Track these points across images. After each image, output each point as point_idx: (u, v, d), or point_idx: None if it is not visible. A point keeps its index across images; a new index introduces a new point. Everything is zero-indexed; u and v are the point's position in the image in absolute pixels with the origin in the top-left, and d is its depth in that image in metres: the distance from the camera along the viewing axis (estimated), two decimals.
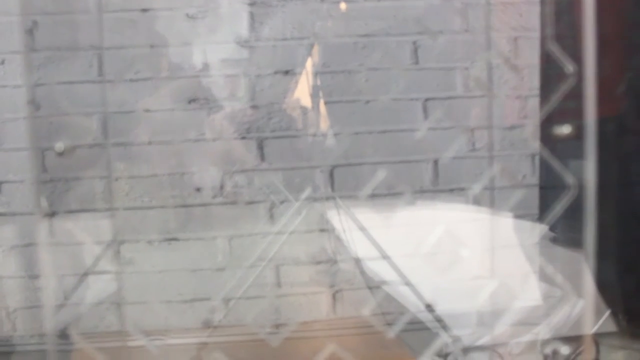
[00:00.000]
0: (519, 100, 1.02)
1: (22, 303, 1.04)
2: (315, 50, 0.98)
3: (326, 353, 0.76)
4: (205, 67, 0.96)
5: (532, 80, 0.97)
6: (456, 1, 0.98)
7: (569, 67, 0.58)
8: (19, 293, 1.04)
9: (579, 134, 0.66)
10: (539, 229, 0.93)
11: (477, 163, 1.00)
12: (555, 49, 0.61)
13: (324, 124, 0.98)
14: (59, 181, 1.02)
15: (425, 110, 1.00)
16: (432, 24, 0.89)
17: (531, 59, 0.96)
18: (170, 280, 0.98)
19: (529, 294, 1.07)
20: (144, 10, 0.95)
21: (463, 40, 0.99)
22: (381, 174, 0.77)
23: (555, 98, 0.60)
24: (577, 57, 0.60)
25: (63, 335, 1.05)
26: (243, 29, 0.96)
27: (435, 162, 1.00)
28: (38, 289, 1.03)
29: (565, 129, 0.68)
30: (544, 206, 0.99)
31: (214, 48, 0.96)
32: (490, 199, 0.94)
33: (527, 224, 0.98)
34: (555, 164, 0.65)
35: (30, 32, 1.00)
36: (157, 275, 0.97)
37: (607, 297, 0.94)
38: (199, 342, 0.96)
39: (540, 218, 0.97)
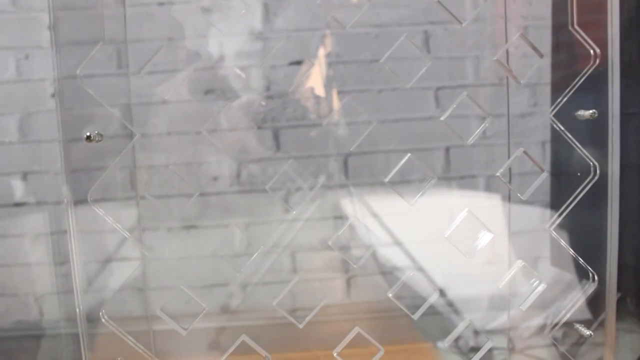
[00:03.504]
0: (529, 88, 0.98)
1: (48, 289, 1.02)
2: (328, 40, 0.94)
3: (346, 334, 0.74)
4: (221, 59, 0.93)
5: (543, 68, 0.92)
6: None
7: (595, 50, 0.55)
8: (45, 279, 1.02)
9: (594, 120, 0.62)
10: (551, 215, 0.89)
11: (488, 151, 0.96)
12: (577, 33, 0.57)
13: (338, 113, 0.95)
14: (82, 171, 1.00)
15: (437, 99, 0.96)
16: (442, 14, 0.85)
17: (542, 47, 0.92)
18: (189, 266, 0.95)
19: (540, 278, 1.03)
20: (160, 3, 0.92)
21: (473, 29, 0.95)
22: (402, 160, 0.73)
23: (575, 83, 0.57)
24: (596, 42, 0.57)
25: (88, 319, 1.04)
26: (257, 21, 0.93)
27: (447, 150, 0.97)
28: (63, 275, 1.02)
29: (580, 115, 0.65)
30: (555, 192, 0.95)
31: (229, 40, 0.93)
32: (504, 185, 0.91)
33: (538, 210, 0.94)
34: (579, 149, 0.62)
35: (52, 27, 0.98)
36: (177, 261, 0.95)
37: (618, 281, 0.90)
38: (217, 327, 0.93)
39: (552, 204, 0.93)
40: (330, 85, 0.95)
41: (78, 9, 0.98)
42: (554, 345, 0.97)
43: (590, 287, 0.93)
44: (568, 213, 0.90)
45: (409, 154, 0.72)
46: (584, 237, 0.82)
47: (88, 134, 0.68)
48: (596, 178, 0.66)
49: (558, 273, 0.97)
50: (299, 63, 0.95)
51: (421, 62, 0.98)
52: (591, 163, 0.64)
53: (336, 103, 0.96)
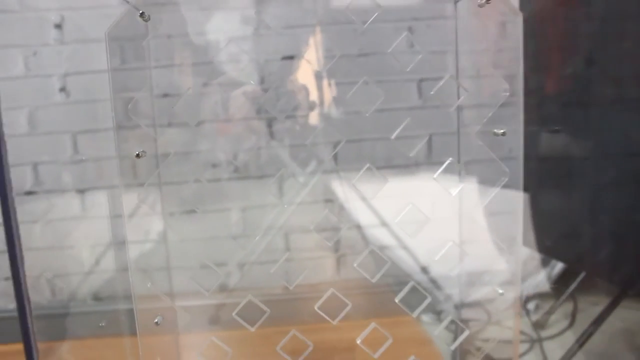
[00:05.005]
0: (507, 78, 1.04)
1: (59, 271, 1.09)
2: (318, 36, 1.01)
3: (337, 309, 0.80)
4: (218, 54, 0.99)
5: (517, 59, 0.99)
6: None
7: (505, 86, 0.65)
8: (56, 262, 1.09)
9: None
10: (524, 197, 0.96)
11: (467, 138, 1.03)
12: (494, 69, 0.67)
13: (327, 104, 1.01)
14: (89, 161, 1.06)
15: (419, 90, 1.03)
16: (425, 12, 0.92)
17: (517, 41, 0.98)
18: (189, 248, 1.02)
19: (514, 256, 1.10)
20: (163, 4, 0.98)
21: (453, 25, 1.01)
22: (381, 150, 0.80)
23: (498, 104, 0.67)
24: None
25: (96, 298, 1.10)
26: (252, 19, 0.99)
27: (430, 137, 1.03)
28: (72, 258, 1.08)
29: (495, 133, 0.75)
30: (527, 176, 1.02)
31: (226, 37, 0.99)
32: (483, 170, 0.98)
33: (512, 193, 1.01)
34: (490, 154, 0.71)
35: (58, 26, 1.04)
36: (178, 244, 1.02)
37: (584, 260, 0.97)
38: (216, 304, 1.00)
39: (525, 187, 1.00)
40: (320, 78, 1.02)
41: (81, 9, 1.04)
42: (527, 315, 1.05)
43: (557, 265, 1.01)
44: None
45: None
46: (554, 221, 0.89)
47: (137, 152, 0.76)
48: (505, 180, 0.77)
49: (528, 251, 1.04)
50: (291, 57, 1.01)
51: (405, 55, 1.05)
52: (505, 170, 0.74)
53: (326, 94, 1.02)
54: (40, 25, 1.04)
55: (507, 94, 0.67)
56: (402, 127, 0.72)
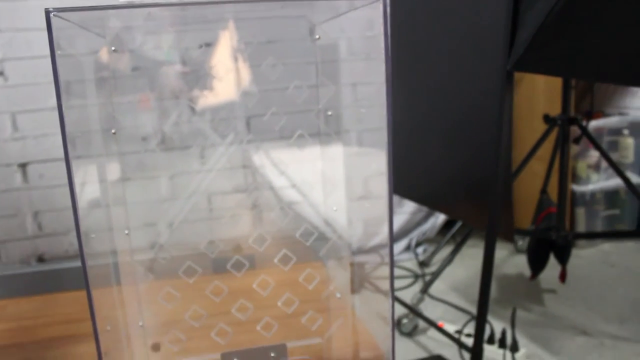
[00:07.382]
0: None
1: (5, 236, 1.22)
2: (232, 26, 1.17)
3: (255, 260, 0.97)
4: (145, 42, 1.14)
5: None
6: None
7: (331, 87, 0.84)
8: (1, 229, 1.21)
9: None
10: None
11: (357, 113, 1.23)
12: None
13: (241, 84, 1.18)
14: (29, 138, 1.19)
15: (316, 71, 1.21)
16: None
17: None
18: (124, 211, 1.17)
19: (404, 209, 1.32)
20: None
21: (346, 17, 1.20)
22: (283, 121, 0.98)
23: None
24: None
25: (40, 259, 1.24)
26: (176, 15, 1.14)
27: (325, 112, 1.22)
28: (17, 225, 1.21)
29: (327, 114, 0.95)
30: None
31: (152, 29, 1.14)
32: (371, 137, 1.17)
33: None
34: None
35: None
36: (114, 208, 1.16)
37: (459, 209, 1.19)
38: (147, 259, 1.16)
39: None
40: (235, 62, 1.19)
41: (14, 0, 1.16)
42: (415, 258, 1.27)
43: (440, 216, 1.22)
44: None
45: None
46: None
47: (113, 131, 0.90)
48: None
49: (415, 205, 1.26)
50: (208, 45, 1.17)
51: (304, 43, 1.23)
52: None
53: (239, 76, 1.19)
54: None
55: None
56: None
